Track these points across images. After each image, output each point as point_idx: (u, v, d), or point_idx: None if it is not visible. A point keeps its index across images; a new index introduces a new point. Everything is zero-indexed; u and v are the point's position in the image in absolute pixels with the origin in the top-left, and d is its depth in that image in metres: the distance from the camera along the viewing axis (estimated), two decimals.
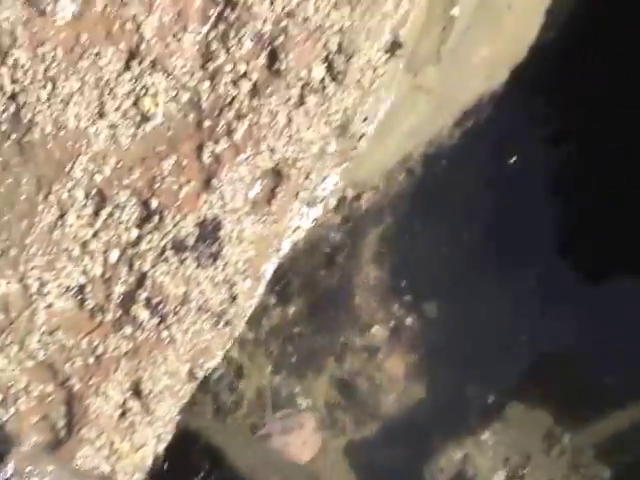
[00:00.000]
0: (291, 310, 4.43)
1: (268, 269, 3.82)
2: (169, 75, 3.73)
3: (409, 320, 4.50)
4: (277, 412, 4.36)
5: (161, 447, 3.77)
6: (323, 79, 3.74)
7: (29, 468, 3.18)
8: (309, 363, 4.43)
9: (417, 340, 4.48)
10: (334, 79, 3.74)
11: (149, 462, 3.77)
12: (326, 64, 3.74)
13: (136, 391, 3.70)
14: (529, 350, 4.58)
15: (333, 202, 4.06)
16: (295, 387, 4.40)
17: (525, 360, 4.55)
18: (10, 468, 3.17)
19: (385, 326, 4.51)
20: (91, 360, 3.69)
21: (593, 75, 4.88)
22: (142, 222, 3.71)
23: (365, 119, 3.91)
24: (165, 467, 3.84)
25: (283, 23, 3.69)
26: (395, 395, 4.43)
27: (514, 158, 4.73)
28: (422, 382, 4.48)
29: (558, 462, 4.09)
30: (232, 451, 3.98)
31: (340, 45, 3.72)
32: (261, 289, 3.80)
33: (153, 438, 3.75)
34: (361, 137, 3.93)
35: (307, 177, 3.78)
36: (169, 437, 3.79)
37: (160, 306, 3.69)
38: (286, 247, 3.85)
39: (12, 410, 3.70)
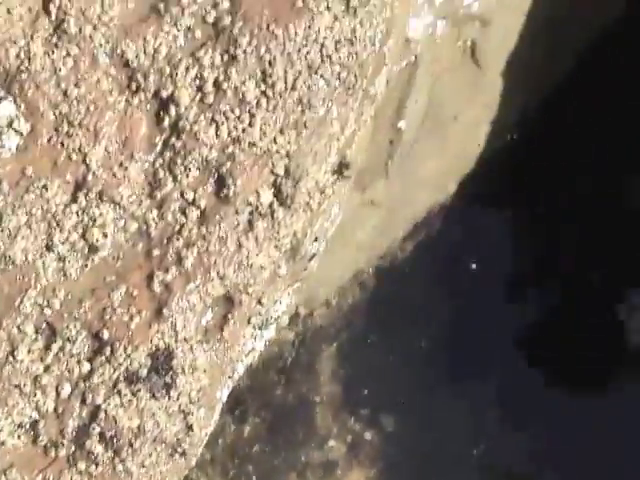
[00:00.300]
0: (247, 429, 4.36)
1: (223, 395, 3.76)
2: (117, 205, 3.69)
3: (367, 434, 4.44)
4: None
5: None
6: (271, 204, 3.72)
7: None
8: None
9: (376, 454, 4.42)
10: (282, 204, 3.72)
11: None
12: (274, 189, 3.73)
13: None
14: (484, 463, 4.52)
15: (286, 321, 4.03)
16: None
17: (480, 473, 4.49)
18: None
19: (343, 441, 4.44)
20: None
21: (539, 185, 4.91)
22: (94, 355, 3.65)
23: (315, 239, 3.89)
24: None
25: (229, 149, 3.68)
26: None
27: (466, 268, 4.72)
28: None
29: None
30: None
31: (287, 169, 3.71)
32: (216, 415, 3.75)
33: None
34: (312, 257, 3.91)
35: (259, 302, 3.74)
36: None
37: (114, 439, 3.61)
38: (240, 370, 3.80)
39: None
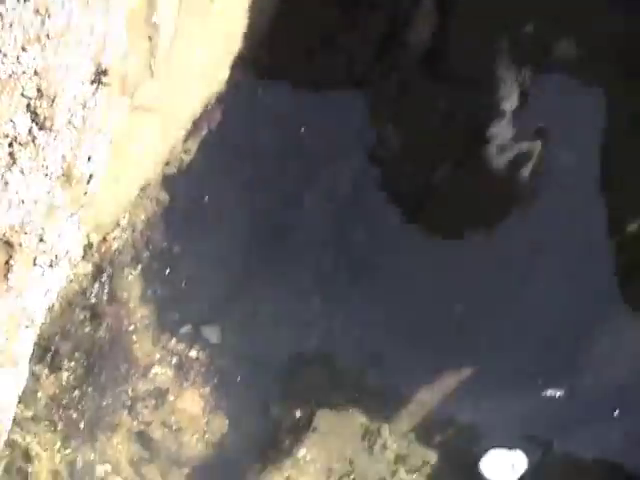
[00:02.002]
0: (65, 375, 3.99)
1: (25, 347, 3.31)
2: None
3: (193, 352, 4.13)
4: None
5: None
6: (30, 130, 3.24)
7: None
8: (99, 425, 3.99)
9: (206, 370, 4.10)
10: (42, 127, 3.25)
11: None
12: (30, 113, 3.23)
13: None
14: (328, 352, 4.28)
15: (79, 253, 3.58)
16: (90, 454, 3.94)
17: (325, 364, 4.23)
18: None
19: (168, 365, 4.12)
20: None
21: None
22: None
23: (89, 159, 3.43)
24: None
25: None
26: (196, 435, 4.03)
27: (256, 152, 4.37)
28: (224, 412, 4.09)
29: (383, 457, 3.81)
30: None
31: (39, 89, 3.21)
32: (24, 371, 3.30)
33: None
34: (90, 179, 3.45)
35: (41, 239, 3.27)
36: None
37: None
38: (39, 316, 3.36)
39: None
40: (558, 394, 4.30)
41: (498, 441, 4.16)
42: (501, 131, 4.59)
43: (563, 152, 4.75)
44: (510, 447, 4.14)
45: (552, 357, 4.39)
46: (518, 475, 4.10)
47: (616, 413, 4.29)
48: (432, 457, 3.91)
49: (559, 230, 4.72)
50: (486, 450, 4.12)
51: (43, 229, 3.32)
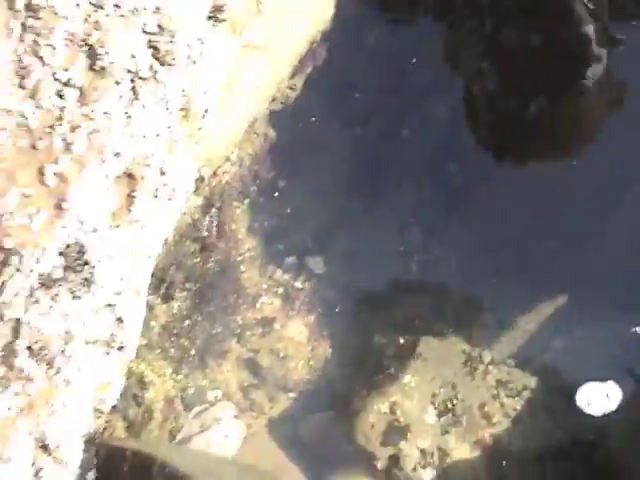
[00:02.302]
0: (177, 305, 4.08)
1: (144, 278, 3.40)
2: None
3: (298, 283, 4.21)
4: (190, 412, 4.01)
5: None
6: (152, 65, 3.31)
7: None
8: (210, 352, 4.10)
9: (312, 299, 4.20)
10: (163, 62, 3.31)
11: None
12: (151, 49, 3.30)
13: (43, 447, 3.24)
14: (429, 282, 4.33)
15: (190, 187, 3.67)
16: (202, 381, 4.06)
17: (426, 293, 4.29)
18: None
19: (274, 295, 4.21)
20: None
21: None
22: (1, 266, 3.22)
23: (205, 92, 3.50)
24: None
25: (93, 17, 3.22)
26: (302, 361, 4.13)
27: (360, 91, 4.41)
28: (328, 340, 4.18)
29: (485, 383, 3.89)
30: (157, 466, 3.63)
31: (160, 25, 3.28)
32: (143, 300, 3.40)
33: None
34: (205, 114, 3.52)
35: (161, 172, 3.35)
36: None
37: (44, 351, 3.22)
38: (157, 247, 3.45)
39: None
40: None
41: (592, 370, 4.21)
42: (595, 68, 4.58)
43: None
44: (604, 378, 4.21)
45: None
46: (613, 406, 4.14)
47: None
48: (532, 382, 3.98)
49: None
50: (582, 380, 4.17)
51: (163, 162, 3.40)
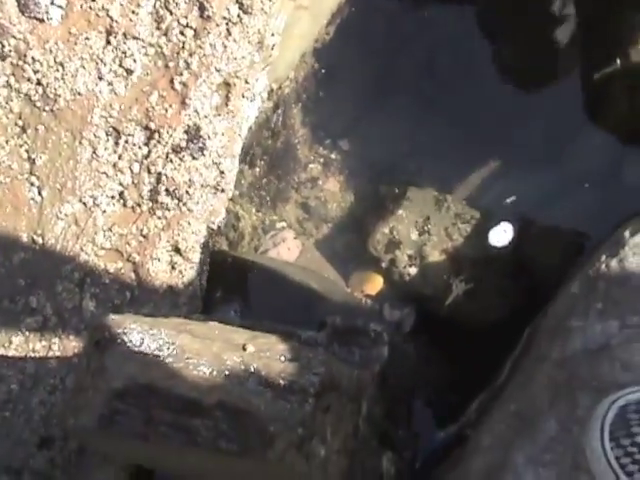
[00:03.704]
0: (257, 170, 4.25)
1: (237, 148, 3.63)
2: (137, 39, 3.44)
3: (332, 155, 4.31)
4: (267, 235, 4.23)
5: (204, 277, 3.62)
6: (239, 14, 3.48)
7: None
8: (278, 199, 4.29)
9: (341, 166, 4.31)
10: (246, 12, 3.48)
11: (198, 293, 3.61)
12: (237, 3, 3.47)
13: (177, 249, 3.54)
14: (418, 154, 4.23)
15: (265, 94, 3.85)
16: (273, 216, 4.28)
17: (415, 160, 4.28)
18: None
19: (318, 163, 4.34)
20: (141, 239, 3.51)
21: None
22: (148, 140, 3.48)
23: (272, 34, 3.67)
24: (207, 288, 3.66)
25: None
26: (336, 204, 4.31)
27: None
28: (351, 191, 4.32)
29: (447, 215, 4.02)
30: (252, 263, 3.87)
31: None
32: (236, 163, 3.62)
33: (197, 275, 3.59)
34: (273, 47, 3.69)
35: (246, 82, 3.55)
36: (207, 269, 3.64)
37: (176, 192, 3.50)
38: (245, 131, 3.65)
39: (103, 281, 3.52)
40: (550, 177, 4.06)
41: (505, 211, 4.00)
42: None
43: None
44: (509, 219, 3.94)
45: (549, 148, 4.08)
46: (508, 239, 3.94)
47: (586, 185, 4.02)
48: (477, 214, 4.04)
49: None
50: (499, 216, 3.96)
51: (247, 75, 3.57)
